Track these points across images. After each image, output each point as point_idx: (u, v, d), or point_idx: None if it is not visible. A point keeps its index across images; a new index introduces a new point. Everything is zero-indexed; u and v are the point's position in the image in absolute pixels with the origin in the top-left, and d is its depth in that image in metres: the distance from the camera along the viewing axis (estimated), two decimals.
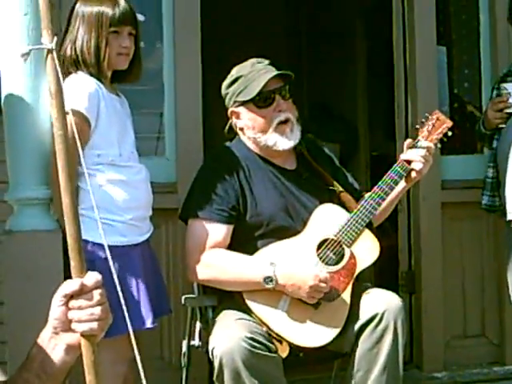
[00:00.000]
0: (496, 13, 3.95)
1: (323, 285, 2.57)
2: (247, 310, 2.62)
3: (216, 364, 2.45)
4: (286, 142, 2.79)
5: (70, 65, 2.52)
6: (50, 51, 1.43)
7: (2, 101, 2.60)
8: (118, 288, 1.48)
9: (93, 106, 2.47)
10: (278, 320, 2.60)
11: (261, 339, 2.49)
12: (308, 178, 2.89)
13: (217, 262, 2.68)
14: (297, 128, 2.82)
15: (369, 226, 2.78)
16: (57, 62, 1.43)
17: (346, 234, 2.71)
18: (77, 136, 1.51)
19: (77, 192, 2.50)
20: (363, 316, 2.63)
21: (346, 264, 2.69)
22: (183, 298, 2.83)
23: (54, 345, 1.44)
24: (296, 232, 2.75)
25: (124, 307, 1.47)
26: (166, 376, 3.38)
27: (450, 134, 2.87)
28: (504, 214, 3.38)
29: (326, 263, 2.67)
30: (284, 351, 2.57)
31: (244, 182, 2.77)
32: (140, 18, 2.80)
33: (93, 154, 2.48)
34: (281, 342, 2.58)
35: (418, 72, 3.93)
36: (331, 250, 2.70)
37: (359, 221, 2.73)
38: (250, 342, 2.44)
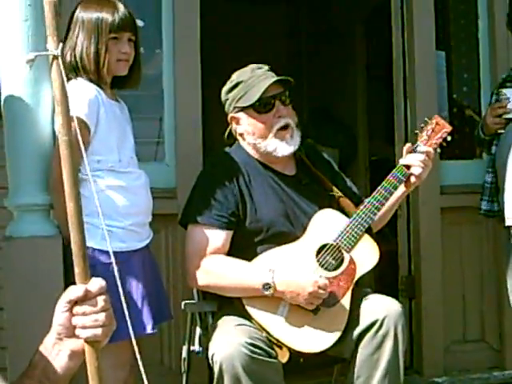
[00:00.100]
0: (495, 18, 3.96)
1: (322, 291, 2.57)
2: (247, 316, 2.62)
3: (216, 370, 2.45)
4: (286, 148, 2.79)
5: (69, 71, 2.52)
6: (55, 57, 1.43)
7: (2, 106, 2.61)
8: (121, 292, 1.48)
9: (92, 112, 2.47)
10: (277, 326, 2.60)
11: (261, 345, 2.49)
12: (307, 183, 2.89)
13: (216, 268, 2.68)
14: (296, 134, 2.83)
15: (368, 231, 2.78)
16: (62, 68, 1.43)
17: (345, 239, 2.71)
18: (81, 142, 1.52)
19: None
20: (363, 322, 2.62)
21: (345, 269, 2.68)
22: (183, 303, 2.83)
23: (57, 351, 1.44)
24: (295, 237, 2.75)
25: (126, 312, 1.47)
26: (166, 381, 3.37)
27: (449, 138, 2.87)
28: (502, 219, 3.38)
29: (326, 268, 2.67)
30: (284, 357, 2.57)
31: (244, 188, 2.78)
32: (139, 23, 2.80)
33: (92, 159, 2.48)
34: (281, 348, 2.58)
35: (417, 77, 3.93)
36: (331, 255, 2.70)
37: (358, 226, 2.73)
38: (250, 347, 2.44)
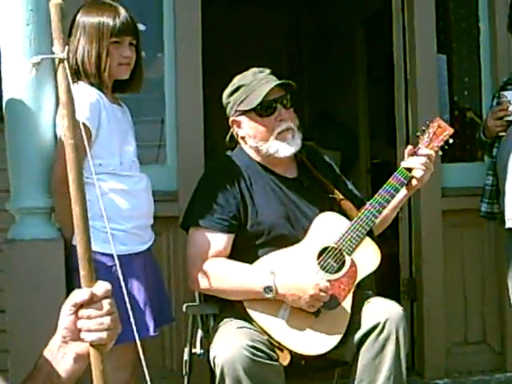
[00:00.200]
0: (496, 21, 3.97)
1: (323, 294, 2.57)
2: (248, 319, 2.63)
3: (217, 372, 2.45)
4: (287, 149, 2.80)
5: (71, 75, 2.52)
6: (61, 61, 1.43)
7: (4, 110, 2.61)
8: (125, 294, 1.49)
9: (94, 115, 2.48)
10: (278, 328, 2.60)
11: (262, 347, 2.49)
12: (309, 186, 2.89)
13: (217, 271, 2.68)
14: (298, 135, 2.83)
15: (370, 233, 2.78)
16: (68, 71, 1.43)
17: (346, 242, 2.71)
18: (87, 145, 1.52)
19: None
20: (365, 325, 2.63)
21: (346, 272, 2.69)
22: (185, 306, 2.83)
23: (62, 354, 1.44)
24: (297, 240, 2.75)
25: (131, 314, 1.47)
26: None
27: (451, 141, 2.86)
28: (503, 221, 3.38)
29: (327, 271, 2.68)
30: (285, 359, 2.57)
31: (245, 191, 2.78)
32: (141, 27, 2.81)
33: (94, 163, 2.49)
34: (282, 350, 2.58)
35: (418, 80, 3.94)
36: (332, 257, 2.70)
37: (360, 228, 2.73)
38: (252, 350, 2.44)
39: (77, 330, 1.41)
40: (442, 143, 2.85)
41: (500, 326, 4.05)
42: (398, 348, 2.61)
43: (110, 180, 2.52)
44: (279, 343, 2.58)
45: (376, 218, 2.76)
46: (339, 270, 2.69)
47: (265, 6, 6.80)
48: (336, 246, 2.71)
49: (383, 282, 4.09)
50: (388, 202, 2.78)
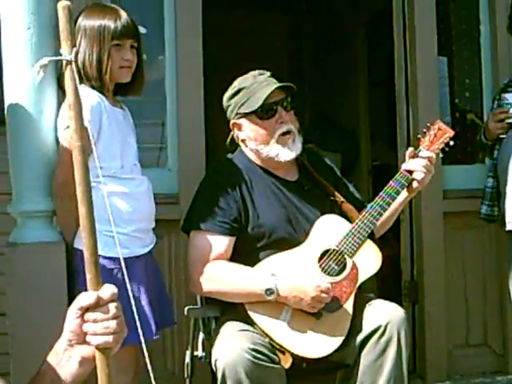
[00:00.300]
0: (496, 23, 3.97)
1: (325, 295, 2.58)
2: (249, 321, 2.63)
3: (219, 375, 2.45)
4: (288, 153, 2.80)
5: None
6: (69, 63, 1.43)
7: (6, 113, 2.61)
8: (131, 296, 1.49)
9: (95, 119, 2.48)
10: (280, 331, 2.60)
11: (263, 350, 2.49)
12: (310, 188, 2.89)
13: (219, 274, 2.69)
14: (298, 139, 2.83)
15: (371, 236, 2.78)
16: (76, 73, 1.43)
17: (347, 245, 2.71)
18: (94, 148, 1.52)
19: None
20: (366, 328, 2.63)
21: (348, 274, 2.69)
22: (186, 308, 2.84)
23: (68, 357, 1.44)
24: (298, 243, 2.75)
25: (136, 317, 1.47)
26: None
27: (451, 143, 2.87)
28: (503, 223, 3.39)
29: (328, 274, 2.68)
30: (287, 362, 2.57)
31: (246, 194, 2.78)
32: (142, 30, 2.81)
33: (95, 166, 2.49)
34: (283, 353, 2.58)
35: (419, 82, 3.94)
36: (333, 260, 2.70)
37: (361, 231, 2.73)
38: (253, 353, 2.44)
39: (83, 334, 1.41)
40: (442, 145, 2.85)
41: (501, 328, 4.05)
42: (399, 350, 2.61)
43: (111, 183, 2.52)
44: (281, 346, 2.58)
45: (377, 220, 2.76)
46: (340, 272, 2.69)
47: (265, 8, 6.80)
48: (337, 248, 2.71)
49: (384, 285, 4.08)
50: (389, 204, 2.78)
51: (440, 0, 4.02)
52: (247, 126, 2.83)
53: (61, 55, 1.44)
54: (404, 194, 2.83)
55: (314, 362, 2.60)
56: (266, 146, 2.80)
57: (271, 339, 2.58)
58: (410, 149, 2.87)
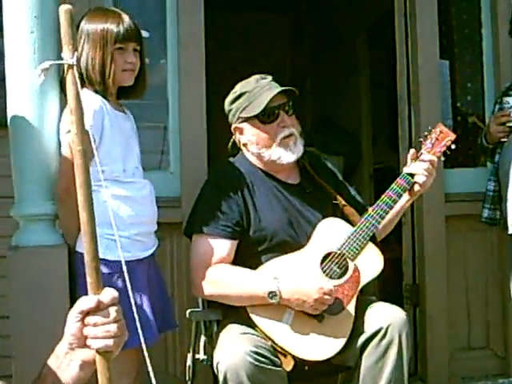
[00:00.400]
0: (498, 27, 3.98)
1: (327, 297, 2.58)
2: (251, 324, 2.63)
3: (221, 378, 2.46)
4: (289, 156, 2.80)
5: None
6: (70, 66, 1.43)
7: (8, 117, 2.62)
8: (133, 300, 1.49)
9: (97, 123, 2.48)
10: (282, 333, 2.61)
11: (265, 353, 2.50)
12: (311, 192, 2.90)
13: (221, 277, 2.69)
14: (300, 141, 2.84)
15: (372, 239, 2.79)
16: (77, 77, 1.43)
17: (349, 248, 2.72)
18: (96, 152, 1.52)
19: None
20: (368, 330, 2.63)
21: (349, 277, 2.69)
22: (188, 312, 2.84)
23: (69, 360, 1.44)
24: (299, 246, 2.76)
25: (137, 319, 1.48)
26: None
27: (453, 146, 2.87)
28: (505, 227, 3.39)
29: (330, 277, 2.68)
30: (288, 365, 2.57)
31: (248, 198, 2.79)
32: (144, 34, 2.81)
33: (97, 170, 2.49)
34: (285, 356, 2.58)
35: (421, 85, 3.94)
36: (335, 263, 2.70)
37: (363, 234, 2.74)
38: (255, 356, 2.44)
39: (83, 337, 1.41)
40: (444, 149, 2.85)
41: (503, 331, 4.05)
42: (400, 353, 2.61)
43: (113, 187, 2.52)
44: (283, 348, 2.58)
45: (379, 223, 2.76)
46: (342, 275, 2.69)
47: (267, 12, 6.82)
48: (339, 251, 2.71)
49: (386, 288, 4.09)
50: (391, 207, 2.78)
51: (442, 3, 4.03)
52: (249, 130, 2.83)
53: (63, 59, 1.44)
54: (406, 197, 2.84)
55: (316, 364, 2.60)
56: (268, 149, 2.80)
57: (273, 342, 2.58)
58: (412, 150, 2.87)
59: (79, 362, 1.44)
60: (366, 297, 2.82)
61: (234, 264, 2.74)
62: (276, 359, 2.54)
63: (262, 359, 2.46)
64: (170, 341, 3.52)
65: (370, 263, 2.74)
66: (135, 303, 2.49)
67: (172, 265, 3.57)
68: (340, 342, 2.61)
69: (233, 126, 2.88)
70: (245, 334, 2.57)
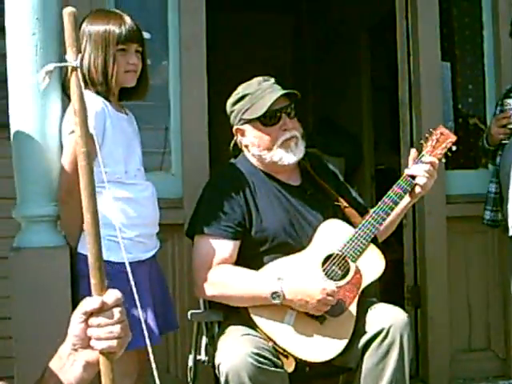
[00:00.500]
0: (499, 29, 3.98)
1: (330, 298, 2.58)
2: (253, 325, 2.63)
3: (222, 380, 2.46)
4: (291, 157, 2.81)
5: None
6: (74, 69, 1.43)
7: (10, 117, 2.62)
8: (137, 301, 1.49)
9: (99, 124, 2.48)
10: (283, 335, 2.61)
11: (267, 354, 2.50)
12: (312, 193, 2.90)
13: (224, 278, 2.69)
14: (301, 143, 2.84)
15: (374, 240, 2.79)
16: (81, 79, 1.43)
17: (351, 249, 2.72)
18: (99, 154, 1.52)
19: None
20: (369, 331, 2.63)
21: (351, 279, 2.69)
22: (189, 313, 2.84)
23: (72, 361, 1.44)
24: (301, 247, 2.76)
25: (143, 320, 1.48)
26: None
27: (454, 148, 2.87)
28: (506, 229, 3.39)
29: (332, 278, 2.68)
30: (290, 366, 2.58)
31: (249, 198, 2.79)
32: (146, 35, 2.82)
33: (99, 171, 2.50)
34: (287, 357, 2.58)
35: (422, 87, 3.94)
36: (336, 264, 2.71)
37: (364, 235, 2.74)
38: (256, 357, 2.44)
39: (87, 338, 1.41)
40: (445, 150, 2.86)
41: (504, 333, 4.05)
42: (401, 354, 2.61)
43: (115, 188, 2.52)
44: (284, 350, 2.59)
45: (380, 224, 2.77)
46: (344, 277, 2.70)
47: (269, 12, 6.82)
48: (340, 253, 2.72)
49: (387, 289, 4.09)
50: (392, 209, 2.79)
51: (443, 5, 4.03)
52: (251, 132, 2.83)
53: (66, 61, 1.45)
54: (407, 199, 2.84)
55: (317, 365, 2.61)
56: (269, 151, 2.81)
57: (275, 343, 2.59)
58: (413, 152, 2.87)
59: (83, 362, 1.44)
60: (367, 298, 2.82)
61: (236, 265, 2.74)
62: (277, 360, 2.55)
63: (264, 360, 2.47)
64: (171, 342, 3.53)
65: (372, 265, 2.74)
66: (137, 305, 2.50)
67: (174, 266, 3.57)
68: (341, 344, 2.62)
69: (234, 127, 2.89)
70: (246, 335, 2.57)
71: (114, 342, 1.40)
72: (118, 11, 2.70)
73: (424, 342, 3.95)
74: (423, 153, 2.84)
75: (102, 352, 1.40)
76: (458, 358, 3.98)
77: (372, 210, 2.81)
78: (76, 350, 1.43)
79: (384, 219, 2.78)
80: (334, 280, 2.68)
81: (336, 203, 2.90)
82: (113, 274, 2.41)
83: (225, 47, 6.03)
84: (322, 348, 2.61)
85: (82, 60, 2.51)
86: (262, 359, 2.46)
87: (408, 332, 2.64)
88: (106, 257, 2.33)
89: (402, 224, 3.61)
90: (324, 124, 6.43)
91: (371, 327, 2.64)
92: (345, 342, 2.62)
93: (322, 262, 2.71)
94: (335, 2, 6.16)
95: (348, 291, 2.68)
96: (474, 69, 4.23)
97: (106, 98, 2.57)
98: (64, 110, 2.59)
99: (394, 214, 2.84)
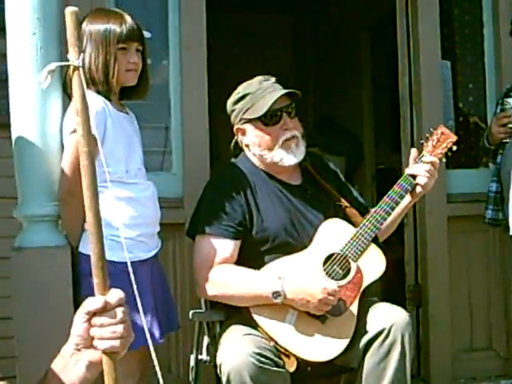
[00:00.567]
0: (500, 28, 3.98)
1: (331, 297, 2.58)
2: (254, 325, 2.63)
3: (224, 379, 2.46)
4: (291, 158, 2.81)
5: None
6: (76, 68, 1.43)
7: (11, 117, 2.62)
8: (139, 302, 1.49)
9: (99, 124, 2.48)
10: (285, 334, 2.61)
11: (268, 354, 2.50)
12: (313, 193, 2.90)
13: (225, 278, 2.69)
14: (302, 143, 2.84)
15: (375, 240, 2.79)
16: (83, 78, 1.43)
17: (352, 249, 2.72)
18: (102, 154, 1.52)
19: (84, 209, 2.52)
20: (370, 331, 2.63)
21: (352, 278, 2.69)
22: (191, 312, 2.84)
23: (75, 361, 1.44)
24: (302, 247, 2.76)
25: (144, 321, 1.48)
26: None
27: (454, 148, 2.87)
28: (507, 228, 3.39)
29: (333, 278, 2.68)
30: (291, 366, 2.58)
31: (250, 198, 2.79)
32: (146, 34, 2.81)
33: (100, 171, 2.49)
34: (288, 357, 2.58)
35: (422, 86, 3.95)
36: (337, 264, 2.71)
37: (365, 235, 2.74)
38: (258, 357, 2.44)
39: (90, 338, 1.41)
40: (445, 150, 2.86)
41: (506, 332, 4.05)
42: (403, 353, 2.61)
43: (116, 188, 2.52)
44: (286, 349, 2.59)
45: (381, 224, 2.77)
46: (345, 276, 2.70)
47: (269, 12, 6.82)
48: (341, 252, 2.72)
49: (388, 289, 4.09)
50: (393, 208, 2.79)
51: (443, 4, 4.03)
52: (251, 132, 2.83)
53: (67, 60, 1.44)
54: (407, 198, 2.84)
55: (319, 365, 2.60)
56: (270, 151, 2.81)
57: (276, 343, 2.59)
58: (414, 152, 2.87)
59: (86, 362, 1.44)
60: (368, 298, 2.81)
61: (237, 264, 2.74)
62: (279, 360, 2.55)
63: (265, 360, 2.46)
64: (173, 341, 3.53)
65: (373, 264, 2.74)
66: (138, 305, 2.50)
67: (175, 265, 3.57)
68: (343, 343, 2.62)
69: (235, 126, 2.89)
70: (248, 334, 2.57)
71: (117, 342, 1.40)
72: (118, 10, 2.70)
73: (425, 342, 3.95)
74: (424, 152, 2.85)
75: (104, 352, 1.40)
76: (460, 358, 3.98)
77: (373, 210, 2.81)
78: (79, 349, 1.43)
79: (385, 219, 2.78)
80: (335, 279, 2.68)
81: (337, 203, 2.90)
82: (114, 273, 2.42)
83: (225, 47, 6.03)
84: (323, 348, 2.61)
85: (82, 59, 2.53)
86: (263, 359, 2.46)
87: (409, 331, 2.64)
88: (107, 257, 2.35)
89: (402, 223, 3.61)
90: (324, 123, 6.42)
91: (372, 327, 2.64)
92: (346, 341, 2.62)
93: (323, 262, 2.71)
94: (335, 2, 6.15)
95: (349, 291, 2.68)
96: (474, 68, 4.23)
97: (107, 98, 2.56)
98: (65, 109, 2.59)
99: (394, 213, 2.84)
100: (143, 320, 2.50)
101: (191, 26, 3.61)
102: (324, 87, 6.69)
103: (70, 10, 1.41)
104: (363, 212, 2.90)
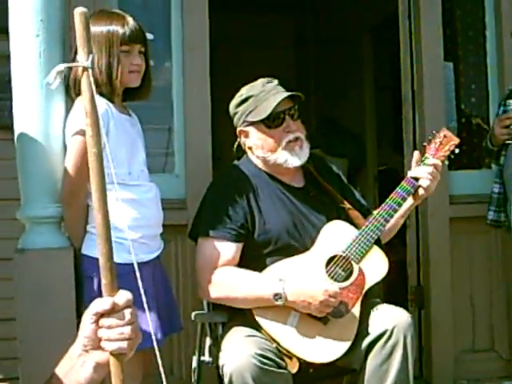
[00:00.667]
0: (502, 29, 3.98)
1: (333, 300, 2.58)
2: (257, 327, 2.63)
3: (226, 381, 2.46)
4: (296, 160, 2.81)
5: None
6: (85, 69, 1.42)
7: (14, 119, 2.63)
8: (144, 300, 1.49)
9: (102, 126, 2.48)
10: (287, 336, 2.61)
11: (270, 356, 2.50)
12: (316, 195, 2.90)
13: (227, 280, 2.69)
14: (306, 145, 2.84)
15: (377, 242, 2.79)
16: (92, 80, 1.43)
17: (354, 251, 2.72)
18: (109, 155, 1.51)
19: (87, 211, 2.53)
20: (373, 332, 2.63)
21: (354, 280, 2.69)
22: (193, 314, 2.84)
23: (82, 362, 1.44)
24: (304, 249, 2.76)
25: (150, 322, 1.48)
26: None
27: (457, 151, 2.87)
28: (510, 229, 3.39)
29: (335, 280, 2.68)
30: (294, 367, 2.58)
31: (252, 200, 2.79)
32: (149, 36, 2.82)
33: (107, 172, 2.49)
34: (290, 358, 2.59)
35: (425, 87, 3.94)
36: (340, 266, 2.71)
37: (367, 237, 2.74)
38: (260, 358, 2.44)
39: (97, 339, 1.41)
40: (448, 153, 2.86)
41: (508, 334, 4.04)
42: (405, 355, 2.61)
43: (119, 189, 2.52)
44: (288, 351, 2.59)
45: (383, 226, 2.77)
46: (347, 278, 2.69)
47: (271, 14, 6.81)
48: (344, 254, 2.71)
49: (391, 290, 4.09)
50: (395, 210, 2.79)
51: (446, 5, 4.03)
52: (254, 134, 2.83)
53: (70, 62, 1.44)
54: (410, 200, 2.84)
55: (321, 367, 2.61)
56: (273, 153, 2.80)
57: (278, 344, 2.59)
58: (416, 154, 2.88)
59: (93, 363, 1.44)
60: (370, 299, 2.81)
61: (240, 267, 2.74)
62: (281, 361, 2.55)
63: (267, 362, 2.47)
64: (175, 343, 3.53)
65: (375, 266, 2.74)
66: (141, 306, 2.50)
67: (177, 267, 3.57)
68: (345, 345, 2.62)
69: (238, 129, 2.89)
70: (250, 336, 2.57)
71: (125, 344, 1.39)
72: (120, 12, 2.70)
73: (427, 343, 3.94)
74: (426, 155, 2.85)
75: (112, 353, 1.40)
76: (462, 359, 3.98)
77: (375, 212, 2.81)
78: (86, 350, 1.43)
79: (387, 221, 2.78)
80: (338, 281, 2.68)
81: (340, 205, 2.90)
82: (118, 275, 2.43)
83: (227, 48, 6.02)
84: (325, 349, 2.61)
85: None
86: (265, 360, 2.46)
87: (411, 333, 2.64)
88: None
89: (405, 225, 3.61)
90: (326, 124, 6.42)
91: (375, 328, 2.64)
92: (348, 343, 2.62)
93: (325, 264, 2.70)
94: (337, 3, 6.15)
95: (351, 292, 2.68)
96: (476, 69, 4.23)
97: (110, 99, 2.56)
98: (68, 111, 2.59)
99: (397, 215, 2.84)
100: (149, 321, 2.52)
101: (194, 28, 3.62)
102: (326, 88, 6.69)
103: (78, 11, 1.40)
104: (366, 214, 2.90)
